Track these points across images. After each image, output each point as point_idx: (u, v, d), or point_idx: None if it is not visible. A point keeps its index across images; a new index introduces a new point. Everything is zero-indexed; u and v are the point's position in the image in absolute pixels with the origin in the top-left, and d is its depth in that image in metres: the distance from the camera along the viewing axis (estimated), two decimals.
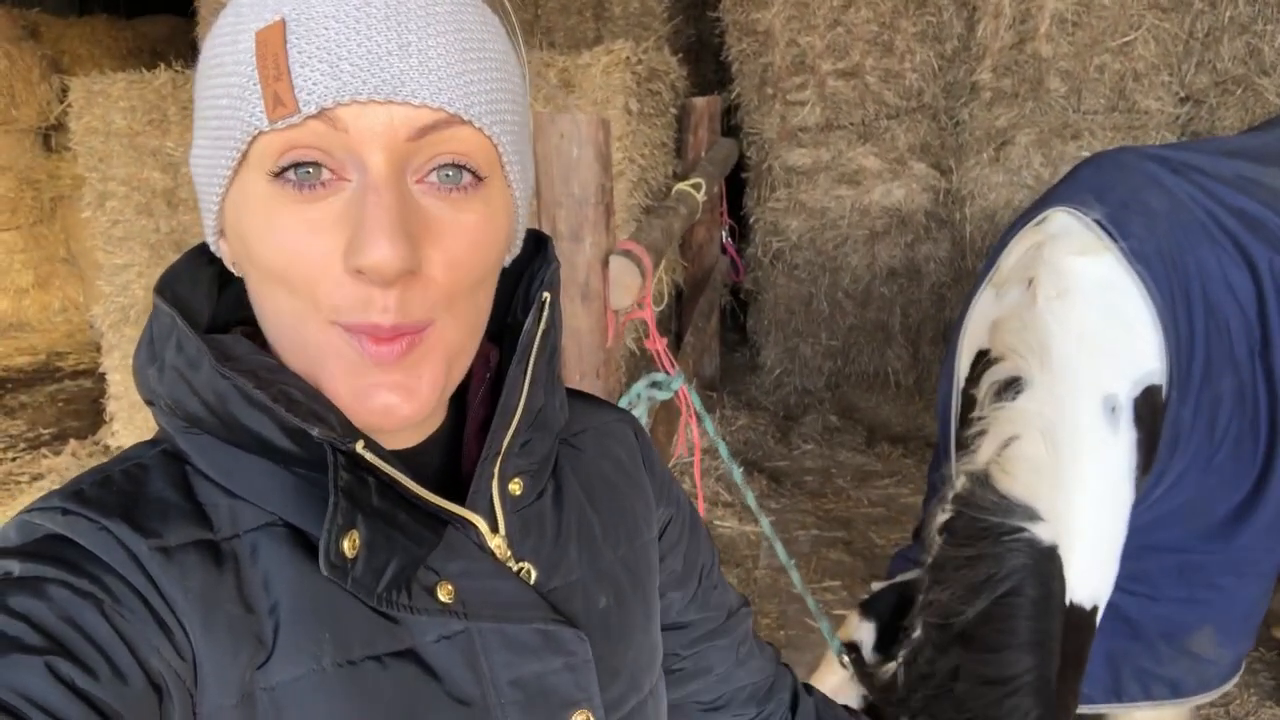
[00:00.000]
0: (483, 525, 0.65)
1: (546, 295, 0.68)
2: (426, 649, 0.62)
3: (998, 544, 1.41)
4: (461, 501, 0.64)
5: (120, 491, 0.58)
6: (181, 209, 4.02)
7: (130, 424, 4.28)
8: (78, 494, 0.57)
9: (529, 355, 0.67)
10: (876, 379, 4.85)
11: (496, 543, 0.66)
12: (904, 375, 4.80)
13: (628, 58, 3.63)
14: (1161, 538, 1.71)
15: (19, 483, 4.22)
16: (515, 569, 0.67)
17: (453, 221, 0.57)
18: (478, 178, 0.58)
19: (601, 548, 0.74)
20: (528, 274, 0.70)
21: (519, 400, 0.66)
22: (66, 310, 6.86)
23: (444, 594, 0.62)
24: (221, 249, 0.63)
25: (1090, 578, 1.45)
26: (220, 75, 0.56)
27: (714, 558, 0.91)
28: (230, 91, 0.55)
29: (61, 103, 5.22)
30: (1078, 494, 1.44)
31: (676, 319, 4.66)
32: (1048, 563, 1.41)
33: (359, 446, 0.57)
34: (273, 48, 0.53)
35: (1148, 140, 4.18)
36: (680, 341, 4.26)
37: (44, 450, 4.55)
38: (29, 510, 0.57)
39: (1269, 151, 1.95)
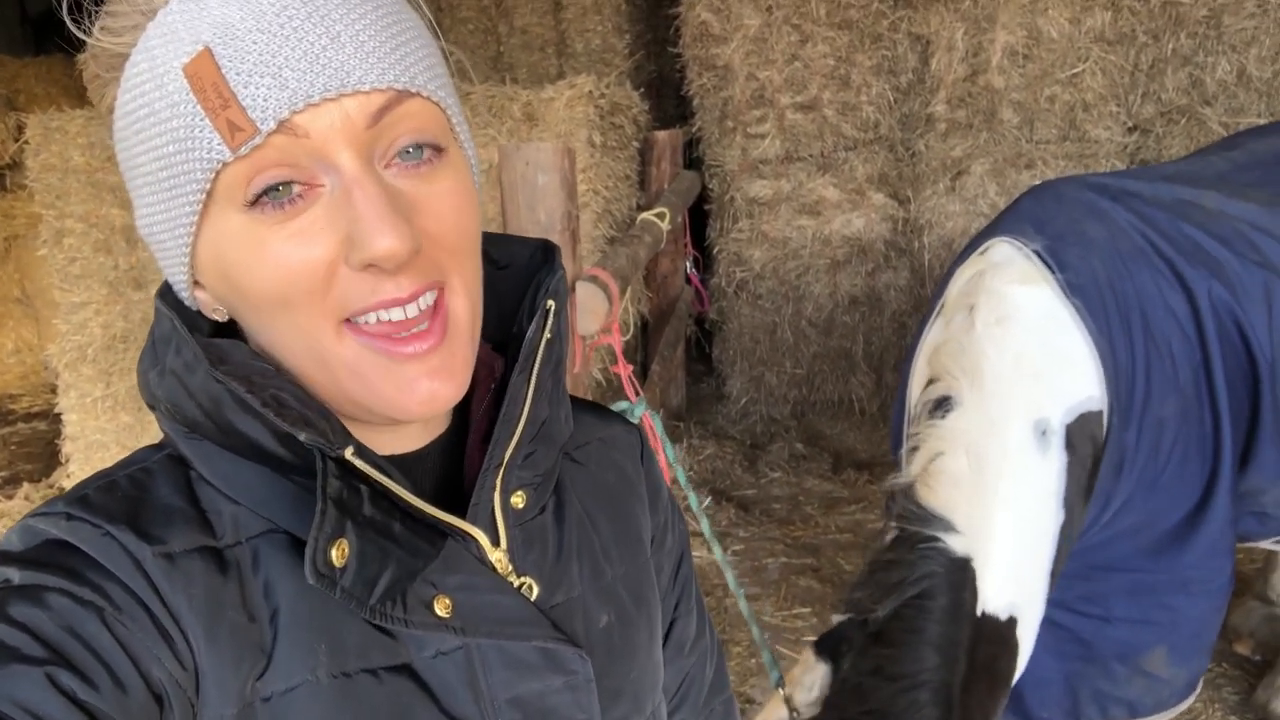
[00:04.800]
0: (483, 538, 0.64)
1: (551, 303, 0.67)
2: (422, 664, 0.60)
3: (912, 551, 1.47)
4: (463, 513, 0.63)
5: (125, 497, 0.58)
6: (141, 245, 3.97)
7: (86, 464, 4.18)
8: (83, 499, 0.57)
9: (533, 364, 0.66)
10: (841, 406, 4.90)
11: (497, 556, 0.65)
12: (868, 402, 4.85)
13: (590, 91, 3.66)
14: (1110, 555, 1.74)
15: None
16: (516, 584, 0.66)
17: (429, 193, 0.57)
18: (438, 149, 0.58)
19: (603, 565, 0.73)
20: (534, 283, 0.69)
21: (522, 410, 0.65)
22: (20, 352, 6.70)
23: (441, 608, 0.60)
24: (199, 300, 0.61)
25: (1006, 591, 1.47)
26: (155, 123, 0.54)
27: (695, 592, 0.89)
28: (175, 135, 0.53)
29: (17, 141, 5.15)
30: (998, 510, 1.48)
31: (642, 349, 4.67)
32: (959, 573, 1.45)
33: (348, 453, 0.56)
34: (209, 78, 0.52)
35: (1099, 168, 4.29)
36: (646, 372, 4.27)
37: None
38: (33, 515, 0.56)
39: (1205, 175, 2.00)
